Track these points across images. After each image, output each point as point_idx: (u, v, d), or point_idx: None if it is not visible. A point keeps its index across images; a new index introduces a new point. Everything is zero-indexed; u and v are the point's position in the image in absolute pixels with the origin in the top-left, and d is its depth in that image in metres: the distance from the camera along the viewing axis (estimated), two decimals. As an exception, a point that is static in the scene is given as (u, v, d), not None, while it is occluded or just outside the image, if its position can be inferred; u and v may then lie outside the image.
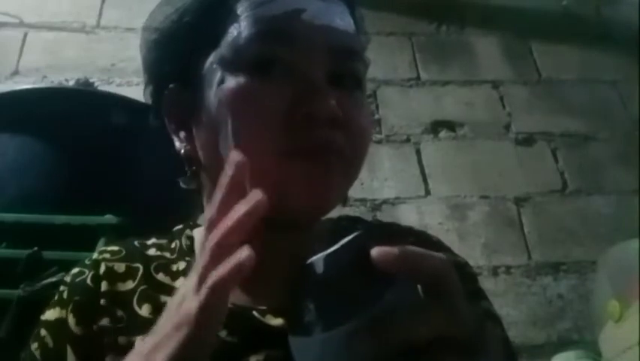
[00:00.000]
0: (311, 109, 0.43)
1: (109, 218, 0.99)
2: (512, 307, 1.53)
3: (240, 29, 0.46)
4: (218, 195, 0.35)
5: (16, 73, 1.79)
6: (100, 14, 1.96)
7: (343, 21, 0.49)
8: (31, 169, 1.07)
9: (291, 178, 0.44)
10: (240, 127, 0.45)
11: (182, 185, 0.52)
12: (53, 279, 0.90)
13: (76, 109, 1.11)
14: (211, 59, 0.48)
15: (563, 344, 1.47)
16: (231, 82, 0.46)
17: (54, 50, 1.86)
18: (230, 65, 0.46)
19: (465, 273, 0.55)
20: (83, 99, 1.15)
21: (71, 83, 1.69)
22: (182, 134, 0.52)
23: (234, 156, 0.36)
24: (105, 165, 1.08)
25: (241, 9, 0.47)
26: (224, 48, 0.47)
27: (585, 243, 1.67)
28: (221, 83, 0.46)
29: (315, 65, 0.46)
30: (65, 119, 1.09)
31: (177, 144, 0.52)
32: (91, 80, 1.58)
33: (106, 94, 1.22)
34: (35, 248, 0.95)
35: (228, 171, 0.35)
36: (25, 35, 1.89)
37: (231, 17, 0.47)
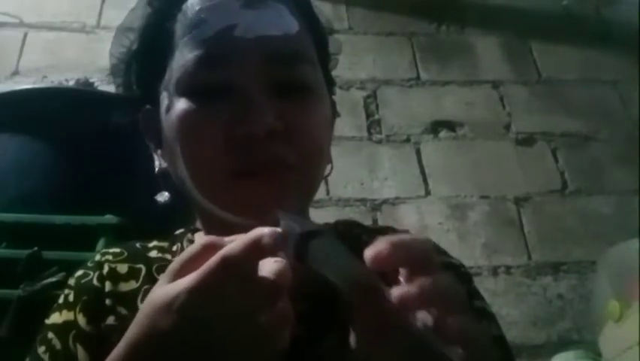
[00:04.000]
0: (247, 127, 0.43)
1: (109, 218, 1.00)
2: (512, 307, 1.53)
3: (178, 56, 0.47)
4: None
5: (16, 73, 1.79)
6: (100, 14, 1.96)
7: (281, 25, 0.47)
8: (31, 169, 1.07)
9: (243, 199, 0.44)
10: (187, 154, 0.46)
11: (159, 200, 0.53)
12: (53, 279, 0.90)
13: (76, 109, 1.11)
14: (161, 85, 0.49)
15: (563, 344, 1.47)
16: (175, 109, 0.46)
17: (54, 50, 1.86)
18: (174, 92, 0.47)
19: (460, 273, 0.56)
20: (83, 99, 1.15)
21: (71, 83, 1.69)
22: (159, 152, 0.53)
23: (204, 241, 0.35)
24: (105, 165, 1.08)
25: (179, 33, 0.48)
26: (167, 75, 0.48)
27: (585, 243, 1.67)
28: (168, 110, 0.47)
29: (250, 80, 0.45)
30: (66, 119, 1.09)
31: (155, 162, 0.54)
32: (91, 80, 1.58)
33: (106, 94, 1.22)
34: (35, 248, 0.95)
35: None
36: (25, 35, 1.89)
37: (172, 43, 0.48)
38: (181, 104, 0.46)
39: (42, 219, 0.99)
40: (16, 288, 0.90)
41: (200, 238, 0.57)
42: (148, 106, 0.53)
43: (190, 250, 0.35)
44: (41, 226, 0.98)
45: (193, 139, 0.46)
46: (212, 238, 0.35)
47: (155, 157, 0.54)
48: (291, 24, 0.48)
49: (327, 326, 0.47)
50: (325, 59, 0.53)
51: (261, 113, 0.43)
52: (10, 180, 1.06)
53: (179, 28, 0.48)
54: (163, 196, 0.52)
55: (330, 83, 0.56)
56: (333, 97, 0.57)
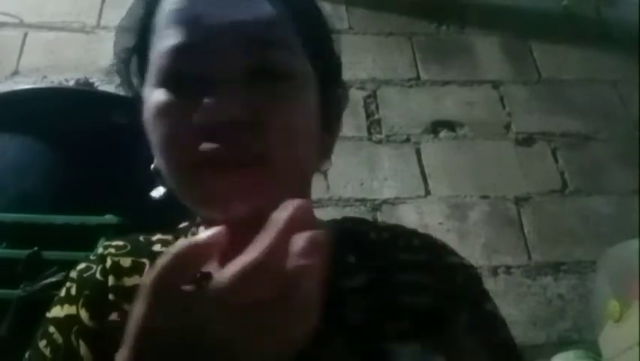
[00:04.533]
0: (208, 116, 0.41)
1: (109, 218, 1.00)
2: (512, 307, 1.53)
3: (156, 47, 0.46)
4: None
5: (16, 73, 1.79)
6: (100, 14, 1.96)
7: (253, 10, 0.45)
8: (31, 169, 1.07)
9: (207, 193, 0.43)
10: (158, 147, 0.45)
11: (154, 196, 0.52)
12: (53, 279, 0.90)
13: (76, 109, 1.11)
14: (147, 77, 0.48)
15: (563, 344, 1.47)
16: (150, 100, 0.45)
17: (54, 50, 1.86)
18: (152, 83, 0.46)
19: (470, 275, 0.55)
20: (83, 99, 1.15)
21: (71, 83, 1.70)
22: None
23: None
24: (105, 164, 1.08)
25: (158, 25, 0.47)
26: (148, 67, 0.47)
27: (585, 243, 1.67)
28: (147, 101, 0.46)
29: (218, 68, 0.43)
30: (65, 119, 1.09)
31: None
32: (91, 80, 1.58)
33: (106, 94, 1.22)
34: (35, 248, 0.95)
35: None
36: (25, 35, 1.89)
37: (153, 35, 0.47)
38: (154, 95, 0.45)
39: (42, 219, 0.99)
40: (16, 288, 0.90)
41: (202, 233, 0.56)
42: None
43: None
44: (41, 226, 0.98)
45: (160, 131, 0.44)
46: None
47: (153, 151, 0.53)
48: (264, 9, 0.45)
49: (333, 326, 0.46)
50: (317, 49, 0.49)
51: (224, 102, 0.41)
52: (10, 180, 1.06)
53: (160, 18, 0.47)
54: (158, 192, 0.50)
55: (331, 76, 0.52)
56: (342, 91, 0.55)
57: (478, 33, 2.14)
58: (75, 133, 1.09)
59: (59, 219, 0.99)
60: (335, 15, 2.04)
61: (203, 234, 0.33)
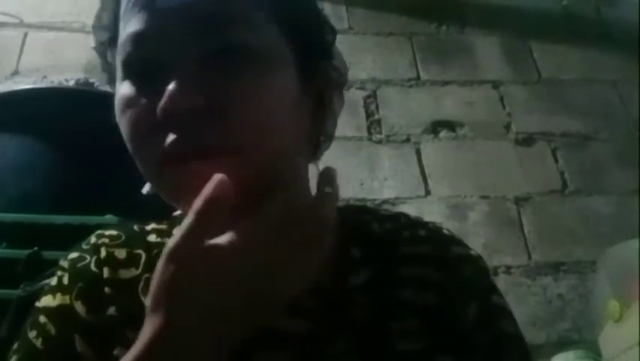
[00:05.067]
0: (165, 105, 0.38)
1: (109, 218, 0.99)
2: (512, 307, 1.52)
3: (120, 37, 0.43)
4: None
5: (16, 73, 1.79)
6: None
7: None
8: (31, 169, 1.07)
9: (172, 188, 0.41)
10: (127, 140, 0.42)
11: (144, 192, 0.49)
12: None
13: (76, 109, 1.11)
14: None
15: (563, 344, 1.47)
16: (117, 94, 0.43)
17: (54, 49, 1.86)
18: (119, 76, 0.43)
19: (478, 266, 0.53)
20: (83, 99, 1.15)
21: (71, 83, 1.70)
22: None
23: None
24: (105, 165, 1.08)
25: (123, 15, 0.43)
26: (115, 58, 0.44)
27: (585, 243, 1.67)
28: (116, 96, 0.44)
29: (172, 53, 0.39)
30: (65, 119, 1.09)
31: None
32: (91, 80, 1.58)
33: (106, 94, 1.22)
34: (35, 248, 0.95)
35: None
36: (25, 35, 1.89)
37: (118, 25, 0.44)
38: (119, 87, 0.42)
39: (42, 219, 0.99)
40: (16, 288, 0.90)
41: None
42: None
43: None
44: (41, 226, 0.98)
45: (126, 126, 0.42)
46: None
47: None
48: None
49: (338, 324, 0.46)
50: (291, 21, 0.44)
51: (176, 90, 0.37)
52: (10, 180, 1.06)
53: (123, 10, 0.43)
54: (147, 188, 0.47)
55: (315, 51, 0.47)
56: (329, 65, 0.49)
57: (478, 33, 2.14)
58: (75, 133, 1.09)
59: (59, 219, 0.98)
60: (335, 15, 2.04)
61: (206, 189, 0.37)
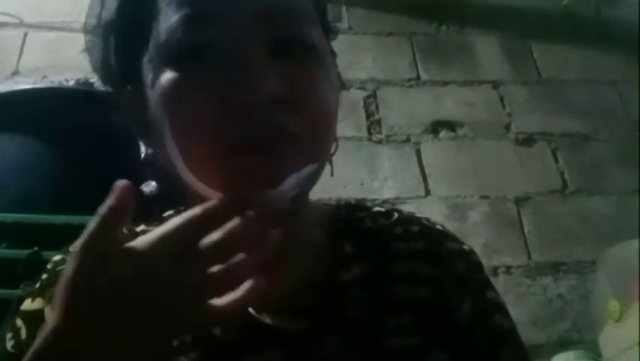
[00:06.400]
0: (247, 94, 0.37)
1: (109, 218, 0.99)
2: (512, 307, 1.51)
3: (162, 19, 0.40)
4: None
5: (16, 73, 1.79)
6: (100, 14, 1.96)
7: None
8: (31, 169, 1.07)
9: (242, 175, 0.38)
10: (178, 131, 0.40)
11: (145, 191, 0.48)
12: (53, 279, 0.89)
13: (76, 109, 1.11)
14: (145, 58, 0.42)
15: (563, 344, 1.47)
16: (162, 81, 0.40)
17: (54, 50, 1.86)
18: (159, 62, 0.40)
19: (472, 261, 0.53)
20: (82, 99, 1.15)
21: (71, 83, 1.69)
22: (144, 137, 0.47)
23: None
24: (105, 164, 1.08)
25: (160, 3, 0.41)
26: (152, 45, 0.41)
27: (585, 243, 1.67)
28: (154, 84, 0.41)
29: (246, 39, 0.38)
30: (65, 119, 1.09)
31: (142, 148, 0.49)
32: (91, 80, 1.57)
33: (106, 94, 1.22)
34: (35, 248, 0.95)
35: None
36: (25, 35, 1.89)
37: (155, 6, 0.41)
38: (167, 75, 0.39)
39: (42, 219, 0.98)
40: (16, 288, 0.90)
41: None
42: (129, 86, 0.46)
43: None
44: (41, 226, 0.98)
45: (183, 113, 0.39)
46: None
47: (141, 143, 0.48)
48: None
49: (332, 322, 0.46)
50: (325, 24, 0.46)
51: (261, 77, 0.37)
52: (10, 180, 1.06)
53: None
54: (149, 186, 0.47)
55: (332, 53, 0.49)
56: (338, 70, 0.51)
57: (478, 33, 2.14)
58: (75, 133, 1.09)
59: (59, 219, 0.98)
60: (335, 15, 2.04)
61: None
